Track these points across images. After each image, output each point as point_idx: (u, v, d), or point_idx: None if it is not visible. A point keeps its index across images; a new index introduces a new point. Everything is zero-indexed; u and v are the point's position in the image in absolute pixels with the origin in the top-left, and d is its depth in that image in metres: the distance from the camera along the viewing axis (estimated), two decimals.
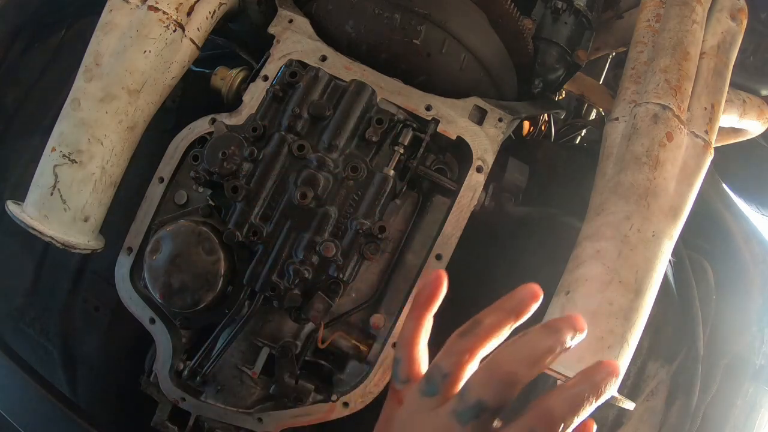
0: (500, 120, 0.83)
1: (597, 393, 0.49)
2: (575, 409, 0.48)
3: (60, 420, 0.90)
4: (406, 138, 0.80)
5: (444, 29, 0.84)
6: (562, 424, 0.48)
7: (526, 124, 1.24)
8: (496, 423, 0.50)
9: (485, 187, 0.82)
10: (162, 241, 0.80)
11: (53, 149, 0.80)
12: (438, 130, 0.81)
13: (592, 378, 0.49)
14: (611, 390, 0.50)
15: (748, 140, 1.05)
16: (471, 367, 0.52)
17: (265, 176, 0.78)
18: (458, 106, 0.83)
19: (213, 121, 0.83)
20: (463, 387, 0.51)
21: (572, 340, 0.50)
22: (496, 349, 0.51)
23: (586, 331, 0.51)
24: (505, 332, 0.52)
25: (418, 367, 0.56)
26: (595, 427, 0.53)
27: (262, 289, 0.77)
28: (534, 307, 0.52)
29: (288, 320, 0.82)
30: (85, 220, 0.81)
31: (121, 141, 0.82)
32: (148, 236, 0.84)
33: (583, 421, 0.50)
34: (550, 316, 0.76)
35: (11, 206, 0.80)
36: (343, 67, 0.83)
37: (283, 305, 0.77)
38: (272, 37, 0.86)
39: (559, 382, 0.71)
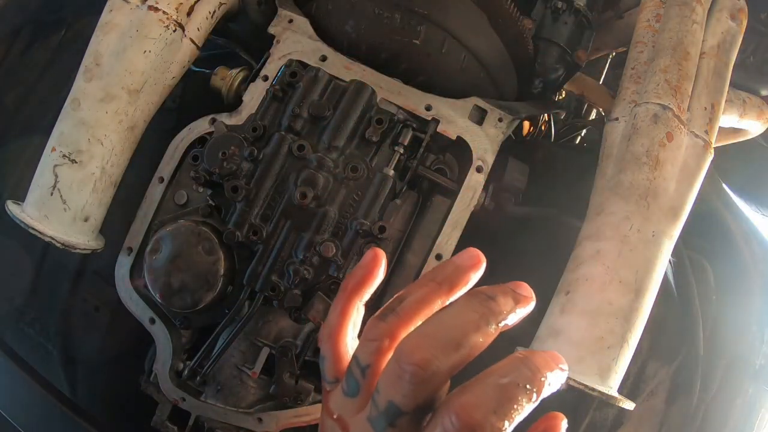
0: (500, 120, 0.83)
1: (537, 384, 0.36)
2: (504, 409, 0.35)
3: (60, 420, 0.90)
4: (406, 138, 0.80)
5: (444, 29, 0.84)
6: (487, 429, 0.35)
7: (526, 124, 1.24)
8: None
9: (485, 188, 0.82)
10: (162, 241, 0.80)
11: (53, 149, 0.80)
12: (438, 130, 0.81)
13: (531, 363, 0.37)
14: (555, 383, 0.37)
15: (748, 140, 1.05)
16: None
17: (265, 176, 0.78)
18: (458, 106, 0.83)
19: (213, 121, 0.83)
20: (376, 386, 0.40)
21: (513, 313, 0.39)
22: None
23: (532, 303, 0.40)
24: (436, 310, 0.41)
25: (346, 363, 0.45)
26: (564, 423, 0.39)
27: (262, 288, 0.77)
28: (474, 277, 0.41)
29: (288, 320, 0.82)
30: (85, 220, 0.81)
31: (121, 141, 0.82)
32: (148, 236, 0.84)
33: (549, 415, 0.39)
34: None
35: (11, 206, 0.80)
36: (343, 67, 0.83)
37: (283, 305, 0.77)
38: (272, 37, 0.86)
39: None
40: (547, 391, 0.37)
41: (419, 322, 0.41)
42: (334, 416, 0.44)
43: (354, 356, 0.43)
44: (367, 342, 0.42)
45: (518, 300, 0.39)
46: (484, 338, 0.38)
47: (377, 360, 0.41)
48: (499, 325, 0.38)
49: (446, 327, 0.38)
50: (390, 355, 0.40)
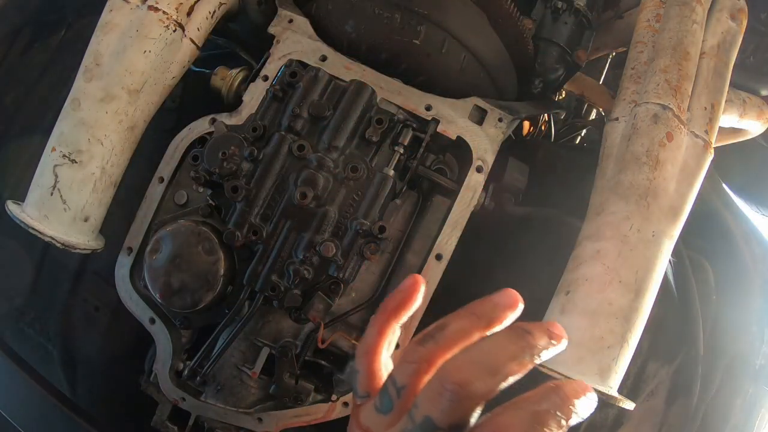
0: (500, 120, 0.83)
1: (566, 412, 0.41)
2: (535, 431, 0.40)
3: (60, 420, 0.90)
4: (406, 138, 0.80)
5: (444, 29, 0.84)
6: None
7: (526, 124, 1.24)
8: None
9: (485, 187, 0.82)
10: (162, 241, 0.80)
11: (53, 149, 0.80)
12: (438, 130, 0.81)
13: (561, 392, 0.42)
14: (583, 412, 0.42)
15: (748, 140, 1.05)
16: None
17: (265, 176, 0.78)
18: (458, 106, 0.83)
19: (213, 121, 0.83)
20: (414, 402, 0.44)
21: (547, 350, 0.43)
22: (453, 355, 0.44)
23: (564, 342, 0.44)
24: (473, 341, 0.45)
25: (379, 380, 0.49)
26: None
27: (262, 288, 0.77)
28: (511, 317, 0.45)
29: (288, 320, 0.82)
30: (85, 220, 0.81)
31: (121, 141, 0.82)
32: (148, 236, 0.84)
33: None
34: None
35: (11, 206, 0.80)
36: (343, 67, 0.83)
37: (283, 305, 0.77)
38: (272, 37, 0.86)
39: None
40: (575, 419, 0.41)
41: (456, 350, 0.44)
42: (364, 429, 0.48)
43: (390, 376, 0.46)
44: (405, 364, 0.45)
45: (552, 337, 0.44)
46: (519, 368, 0.42)
47: (414, 381, 0.45)
48: (533, 359, 0.42)
49: (487, 354, 0.42)
50: (426, 378, 0.44)
